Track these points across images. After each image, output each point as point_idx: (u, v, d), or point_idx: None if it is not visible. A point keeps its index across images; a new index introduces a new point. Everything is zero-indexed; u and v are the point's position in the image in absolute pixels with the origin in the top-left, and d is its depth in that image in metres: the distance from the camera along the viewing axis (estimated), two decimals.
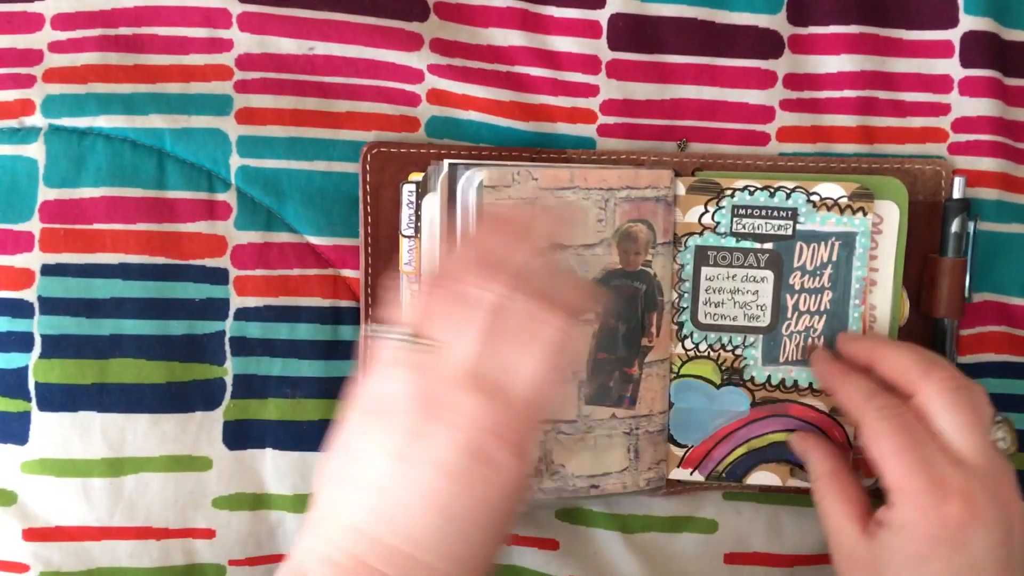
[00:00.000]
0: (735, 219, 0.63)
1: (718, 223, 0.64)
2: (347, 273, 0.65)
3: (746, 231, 0.63)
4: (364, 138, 0.65)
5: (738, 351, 0.64)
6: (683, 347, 0.65)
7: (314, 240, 0.64)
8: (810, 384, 0.64)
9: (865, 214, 0.62)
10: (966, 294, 0.66)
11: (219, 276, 0.64)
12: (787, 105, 0.68)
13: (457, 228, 0.59)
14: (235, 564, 0.65)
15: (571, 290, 0.53)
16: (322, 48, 0.65)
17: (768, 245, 0.63)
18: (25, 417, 0.63)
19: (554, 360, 0.51)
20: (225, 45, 0.65)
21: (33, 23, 0.64)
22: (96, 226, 0.63)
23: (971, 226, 0.66)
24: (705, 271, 0.64)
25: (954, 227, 0.65)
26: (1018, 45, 0.69)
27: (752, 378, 0.64)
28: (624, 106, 0.67)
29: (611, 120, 0.67)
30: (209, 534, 0.65)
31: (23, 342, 0.62)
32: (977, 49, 0.68)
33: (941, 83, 0.69)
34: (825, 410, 0.64)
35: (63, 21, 0.64)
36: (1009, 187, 0.68)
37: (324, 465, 0.52)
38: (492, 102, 0.66)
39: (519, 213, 0.58)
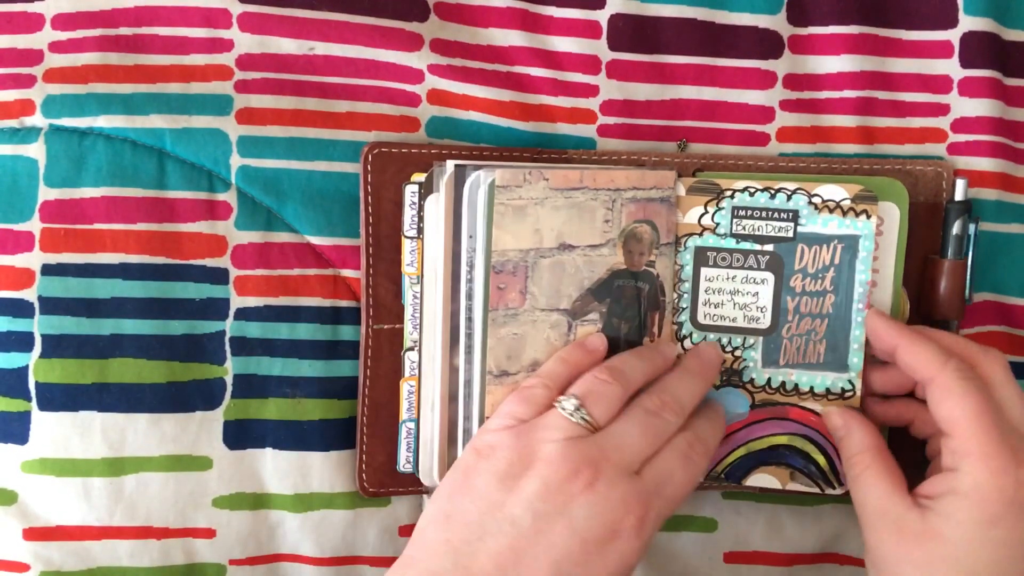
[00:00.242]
0: (735, 220, 0.63)
1: (718, 224, 0.63)
2: (347, 273, 0.65)
3: (746, 232, 0.63)
4: (364, 138, 0.65)
5: (737, 352, 0.64)
6: (682, 347, 0.65)
7: (314, 240, 0.64)
8: (811, 388, 0.64)
9: (868, 217, 0.62)
10: (966, 296, 0.66)
11: (219, 276, 0.64)
12: (787, 105, 0.68)
13: (463, 229, 0.59)
14: (235, 564, 0.66)
15: (714, 439, 0.60)
16: (322, 48, 0.65)
17: (768, 247, 0.63)
18: (25, 417, 0.63)
19: (701, 474, 0.59)
20: (225, 45, 0.65)
21: (33, 23, 0.64)
22: (96, 226, 0.63)
23: (972, 228, 0.66)
24: (704, 272, 0.64)
25: (955, 229, 0.65)
26: (1018, 45, 0.69)
27: (752, 380, 0.64)
28: (624, 106, 0.67)
29: (611, 120, 0.67)
30: (209, 534, 0.65)
31: (23, 342, 0.62)
32: (977, 49, 0.68)
33: (940, 83, 0.69)
34: None
35: (63, 21, 0.64)
36: (1009, 187, 0.68)
37: (443, 502, 0.55)
38: (492, 102, 0.66)
39: (717, 356, 0.64)
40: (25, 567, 0.63)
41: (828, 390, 0.63)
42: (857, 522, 0.68)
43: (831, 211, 0.62)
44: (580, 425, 0.55)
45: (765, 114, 0.68)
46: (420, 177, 0.62)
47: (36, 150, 0.63)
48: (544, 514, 0.53)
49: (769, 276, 0.63)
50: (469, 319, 0.59)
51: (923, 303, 0.66)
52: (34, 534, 0.63)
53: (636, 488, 0.54)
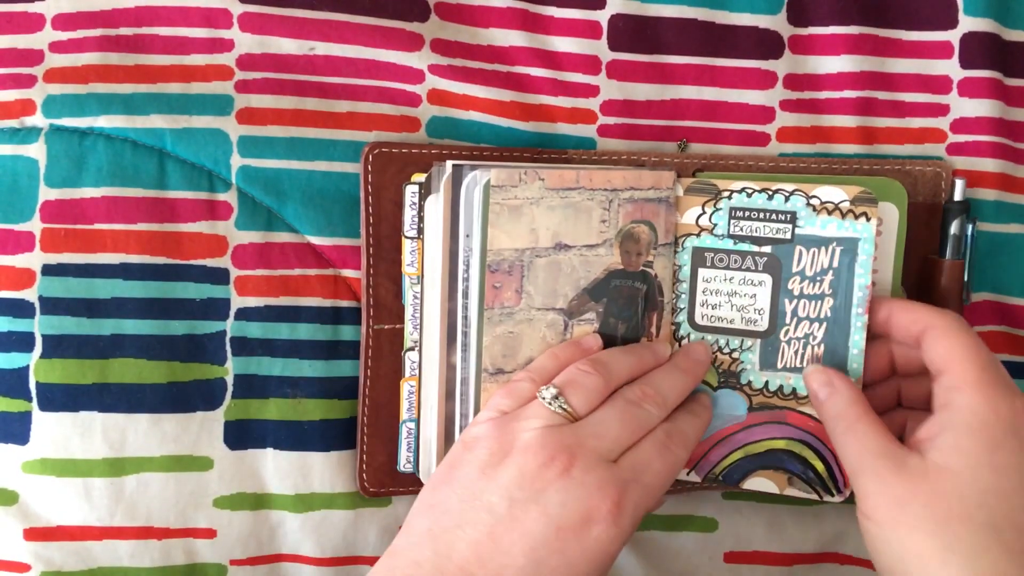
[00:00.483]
0: (732, 221, 0.63)
1: (715, 225, 0.63)
2: (348, 273, 0.65)
3: (743, 234, 0.63)
4: (365, 138, 0.65)
5: (735, 354, 0.64)
6: (680, 347, 0.65)
7: (315, 240, 0.64)
8: None
9: (868, 219, 0.61)
10: (964, 295, 0.66)
11: (220, 276, 0.64)
12: (787, 105, 0.68)
13: (461, 228, 0.59)
14: (236, 564, 0.66)
15: (695, 432, 0.60)
16: (323, 48, 0.65)
17: (766, 248, 0.62)
18: (26, 417, 0.63)
19: (679, 466, 0.58)
20: (226, 45, 0.65)
21: (34, 23, 0.64)
22: (97, 226, 0.63)
23: (970, 228, 0.66)
24: (702, 272, 0.64)
25: (953, 229, 0.65)
26: (1019, 45, 0.69)
27: (749, 382, 0.64)
28: (624, 106, 0.67)
29: (611, 120, 0.67)
30: (210, 534, 0.65)
31: (24, 342, 0.62)
32: (976, 50, 0.68)
33: (940, 84, 0.69)
34: None
35: (64, 21, 0.64)
36: (1008, 187, 0.68)
37: (430, 494, 0.56)
38: (493, 102, 0.66)
39: (707, 354, 0.64)
40: (26, 567, 0.63)
41: None
42: (855, 520, 0.69)
43: (830, 213, 0.61)
44: (558, 413, 0.56)
45: (765, 114, 0.68)
46: (420, 177, 0.62)
47: (37, 150, 0.63)
48: (519, 501, 0.53)
49: (767, 278, 0.63)
50: (466, 317, 0.59)
51: (922, 302, 0.65)
52: (35, 534, 0.63)
53: (612, 474, 0.54)
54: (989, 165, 0.68)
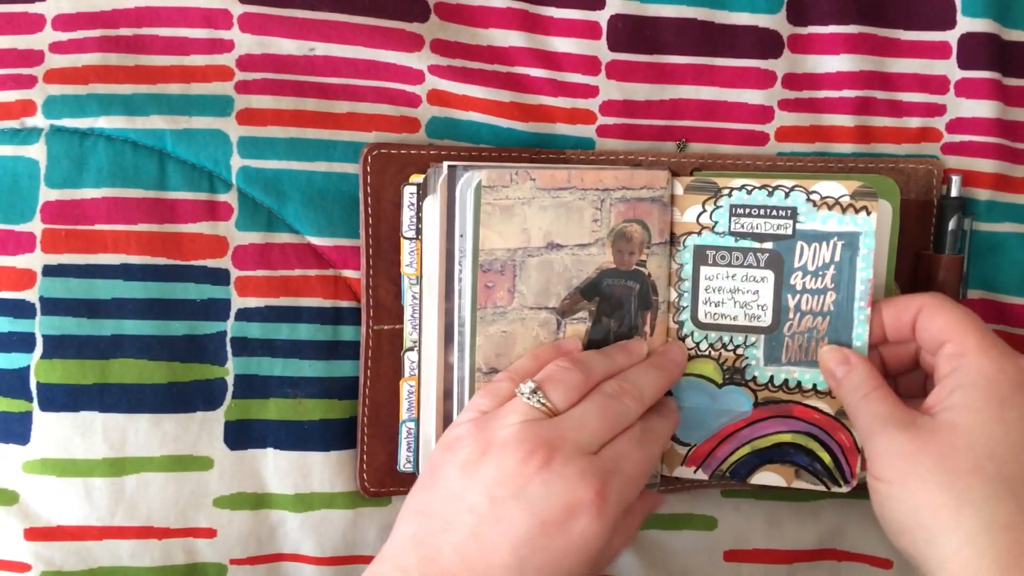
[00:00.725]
0: (733, 218, 0.63)
1: (716, 222, 0.64)
2: (348, 273, 0.65)
3: (745, 230, 0.63)
4: (365, 139, 0.65)
5: (739, 351, 0.64)
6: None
7: (315, 240, 0.65)
8: (814, 385, 0.63)
9: (869, 213, 0.61)
10: (961, 291, 0.66)
11: (220, 277, 0.64)
12: (786, 105, 0.68)
13: (456, 229, 0.59)
14: (236, 563, 0.66)
15: (665, 434, 0.61)
16: (323, 49, 0.65)
17: (767, 245, 0.63)
18: (27, 417, 0.63)
19: (655, 461, 0.59)
20: (226, 46, 0.65)
21: (34, 24, 0.64)
22: (97, 227, 0.63)
23: (967, 223, 0.66)
24: (704, 270, 0.64)
25: (951, 224, 0.66)
26: (1017, 46, 0.69)
27: (754, 378, 0.64)
28: (624, 107, 0.67)
29: (610, 121, 0.67)
30: (210, 533, 0.65)
31: (25, 342, 0.62)
32: (974, 50, 0.69)
33: (938, 84, 0.69)
34: (831, 412, 0.64)
35: (64, 22, 0.64)
36: (1003, 187, 0.68)
37: (413, 497, 0.56)
38: (492, 103, 0.66)
39: (683, 355, 0.64)
40: (26, 567, 0.63)
41: None
42: (856, 518, 0.69)
43: (830, 208, 0.62)
44: (537, 408, 0.56)
45: (764, 114, 0.68)
46: (418, 178, 0.62)
47: (37, 151, 0.63)
48: (501, 498, 0.53)
49: (769, 274, 0.63)
50: (461, 317, 0.59)
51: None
52: (35, 534, 0.63)
53: (593, 465, 0.54)
54: (983, 165, 0.68)
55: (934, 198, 0.67)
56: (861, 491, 0.67)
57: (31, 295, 0.62)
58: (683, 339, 0.65)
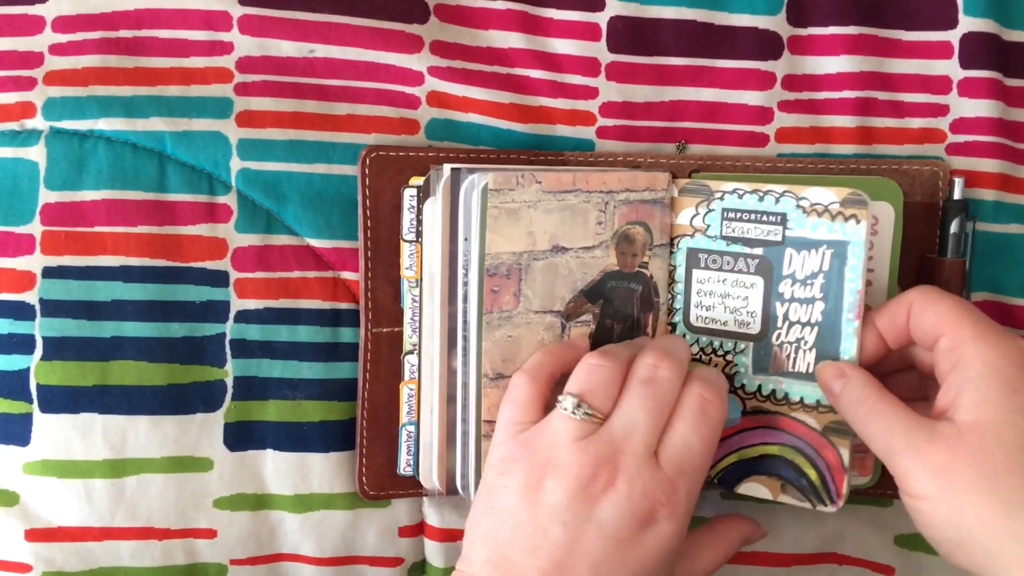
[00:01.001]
0: (725, 222, 0.63)
1: (708, 226, 0.63)
2: (347, 275, 0.65)
3: (736, 235, 0.62)
4: (364, 141, 0.65)
5: (729, 357, 0.63)
6: None
7: (314, 242, 0.65)
8: (801, 399, 0.62)
9: (858, 222, 0.59)
10: (965, 295, 0.66)
11: (219, 278, 0.64)
12: (785, 106, 0.68)
13: (460, 232, 0.59)
14: (236, 563, 0.66)
15: (721, 381, 0.59)
16: (322, 51, 0.65)
17: (758, 250, 0.62)
18: (27, 419, 0.63)
19: (716, 441, 0.58)
20: (225, 48, 0.65)
21: (34, 26, 0.64)
22: (97, 229, 0.63)
23: (969, 227, 0.66)
24: (696, 273, 0.64)
25: (953, 227, 0.65)
26: (1019, 46, 0.69)
27: (743, 386, 0.63)
28: (623, 108, 0.67)
29: (610, 122, 0.67)
30: (210, 534, 0.65)
31: (24, 344, 0.63)
32: (976, 50, 0.68)
33: (940, 84, 0.69)
34: (818, 428, 0.62)
35: (64, 24, 0.64)
36: (1008, 187, 0.68)
37: (478, 524, 0.56)
38: (492, 104, 0.66)
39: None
40: (27, 568, 0.64)
41: (819, 402, 0.62)
42: (858, 524, 0.69)
43: (819, 215, 0.60)
44: (585, 421, 0.55)
45: (764, 115, 0.68)
46: (418, 180, 0.62)
47: (37, 153, 0.63)
48: (573, 524, 0.53)
49: (758, 280, 0.62)
50: (465, 322, 0.59)
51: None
52: (36, 535, 0.64)
53: (656, 477, 0.54)
54: (988, 165, 0.68)
55: (939, 200, 0.66)
56: (862, 496, 0.67)
57: (31, 297, 0.62)
58: None
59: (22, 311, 0.62)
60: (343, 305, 0.65)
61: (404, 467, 0.64)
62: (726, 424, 0.60)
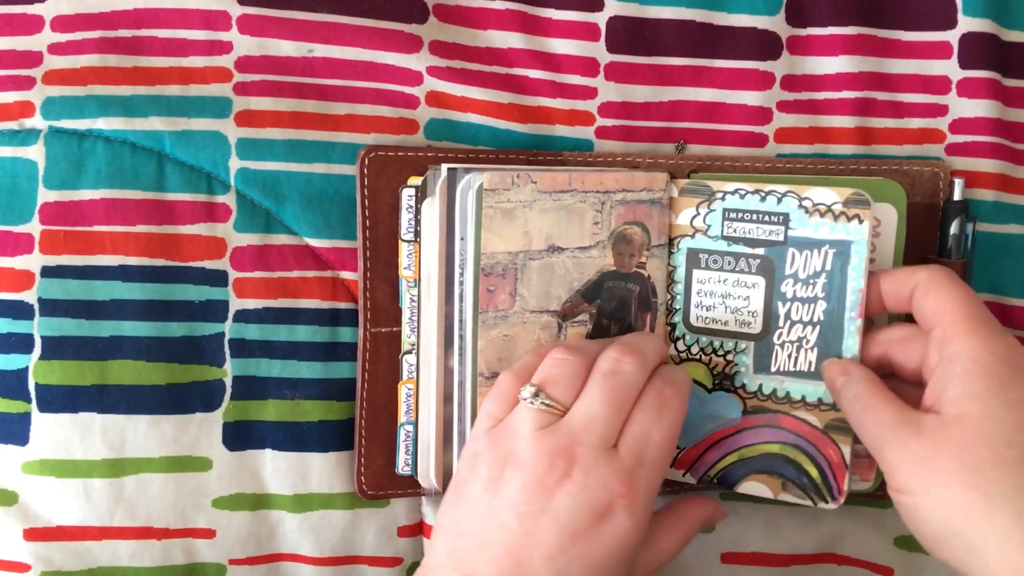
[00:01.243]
0: (726, 223, 0.63)
1: (709, 226, 0.63)
2: (346, 275, 0.65)
3: (737, 235, 0.63)
4: (363, 140, 0.65)
5: (729, 356, 0.64)
6: (675, 348, 0.65)
7: (313, 242, 0.65)
8: (803, 397, 0.63)
9: (861, 221, 0.60)
10: None
11: (218, 278, 0.64)
12: (785, 107, 0.68)
13: (456, 232, 0.59)
14: (235, 563, 0.66)
15: (685, 382, 0.59)
16: (321, 50, 0.65)
17: (759, 250, 0.62)
18: (25, 418, 0.63)
19: (676, 436, 0.57)
20: (224, 47, 0.65)
21: (33, 25, 0.64)
22: (96, 228, 0.63)
23: (970, 228, 0.66)
24: (696, 273, 0.64)
25: (953, 228, 0.65)
26: (1018, 46, 0.69)
27: (744, 385, 0.64)
28: (622, 108, 0.67)
29: (609, 122, 0.67)
30: (209, 534, 0.65)
31: (23, 343, 0.63)
32: (975, 50, 0.68)
33: (939, 84, 0.69)
34: (819, 426, 0.62)
35: (63, 23, 0.64)
36: (1007, 188, 0.68)
37: (444, 516, 0.56)
38: (491, 104, 0.66)
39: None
40: (26, 567, 0.64)
41: (820, 400, 0.62)
42: (857, 524, 0.69)
43: (822, 215, 0.61)
44: (544, 411, 0.55)
45: (763, 115, 0.68)
46: (416, 180, 0.62)
47: (36, 152, 0.63)
48: (529, 515, 0.53)
49: (760, 280, 0.62)
50: (461, 321, 0.59)
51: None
52: (35, 534, 0.64)
53: (614, 467, 0.54)
54: (988, 166, 0.68)
55: (940, 201, 0.66)
56: (862, 497, 0.67)
57: (30, 296, 0.62)
58: (675, 341, 0.65)
59: (21, 310, 0.62)
60: (342, 305, 0.65)
61: (402, 467, 0.64)
62: (726, 424, 0.60)
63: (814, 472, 0.63)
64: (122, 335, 0.63)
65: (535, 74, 0.67)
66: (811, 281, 0.61)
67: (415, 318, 0.63)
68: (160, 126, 0.63)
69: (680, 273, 0.64)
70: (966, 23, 0.68)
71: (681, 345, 0.64)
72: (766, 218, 0.62)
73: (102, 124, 0.63)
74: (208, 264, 0.64)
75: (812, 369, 0.62)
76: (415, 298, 0.62)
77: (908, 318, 0.60)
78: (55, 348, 0.63)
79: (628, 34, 0.67)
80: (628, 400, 0.56)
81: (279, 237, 0.65)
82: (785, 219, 0.62)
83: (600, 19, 0.67)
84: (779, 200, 0.62)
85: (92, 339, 0.63)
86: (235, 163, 0.64)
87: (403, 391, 0.64)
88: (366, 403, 0.64)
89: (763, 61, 0.68)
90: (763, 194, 0.62)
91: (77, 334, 0.63)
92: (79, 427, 0.63)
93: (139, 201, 0.63)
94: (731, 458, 0.64)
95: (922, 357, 0.58)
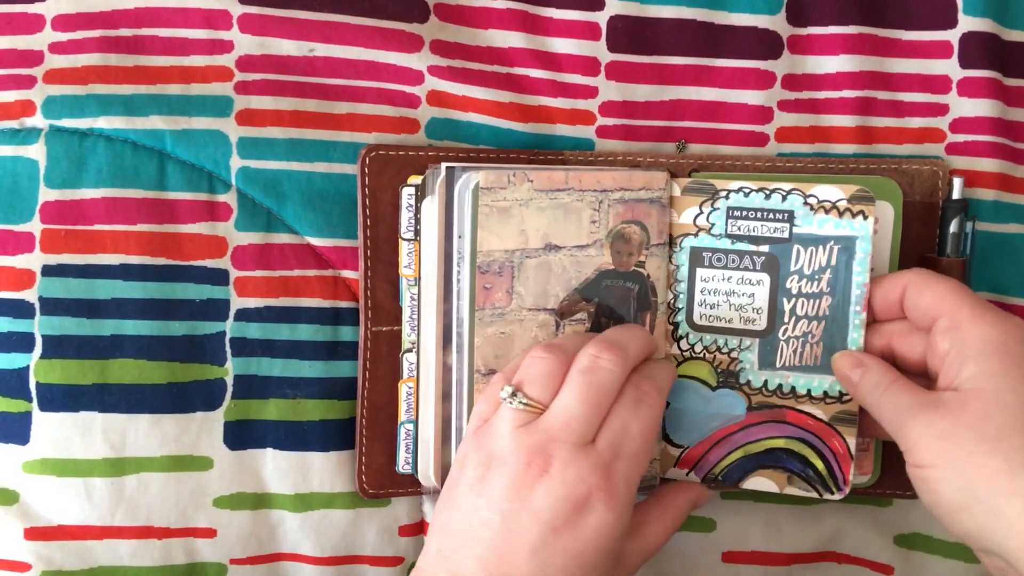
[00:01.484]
0: (730, 221, 0.63)
1: (713, 224, 0.63)
2: (347, 274, 0.65)
3: (741, 233, 0.63)
4: (364, 140, 0.65)
5: (734, 354, 0.64)
6: (678, 347, 0.65)
7: (314, 241, 0.65)
8: (808, 391, 0.63)
9: (865, 217, 0.61)
10: None
11: (220, 277, 0.64)
12: (785, 106, 0.68)
13: (454, 230, 0.59)
14: (236, 563, 0.66)
15: (665, 378, 0.60)
16: (322, 50, 0.65)
17: (764, 248, 0.63)
18: (26, 417, 0.63)
19: (655, 432, 0.58)
20: (226, 46, 0.65)
21: (34, 24, 0.64)
22: (97, 227, 0.63)
23: (969, 226, 0.66)
24: (700, 272, 0.64)
25: (952, 227, 0.65)
26: (1018, 45, 0.69)
27: (748, 382, 0.64)
28: (623, 108, 0.67)
29: (610, 122, 0.67)
30: (210, 533, 0.65)
31: (24, 342, 0.63)
32: (976, 50, 0.68)
33: (939, 83, 0.69)
34: (824, 418, 0.63)
35: (64, 22, 0.64)
36: (1007, 187, 0.68)
37: (436, 516, 0.57)
38: (492, 103, 0.66)
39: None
40: (26, 567, 0.64)
41: (826, 393, 0.63)
42: (857, 522, 0.69)
43: (827, 212, 0.61)
44: (523, 410, 0.56)
45: (764, 114, 0.68)
46: (416, 179, 0.62)
47: (36, 151, 0.63)
48: (510, 512, 0.54)
49: (765, 277, 0.63)
50: (459, 318, 0.60)
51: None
52: (35, 534, 0.64)
53: (591, 461, 0.55)
54: (988, 165, 0.68)
55: (939, 200, 0.66)
56: (862, 496, 0.67)
57: (30, 295, 0.62)
58: (678, 340, 0.65)
59: (22, 309, 0.62)
60: (343, 304, 0.65)
61: (403, 465, 0.64)
62: (730, 421, 0.61)
63: (820, 464, 0.64)
64: (123, 334, 0.63)
65: (536, 73, 0.67)
66: (816, 277, 0.62)
67: (415, 316, 0.63)
68: (161, 125, 0.63)
69: (683, 272, 0.64)
70: (966, 23, 0.68)
71: (685, 344, 0.65)
72: (771, 215, 0.62)
73: (103, 123, 0.63)
74: (209, 263, 0.64)
75: (818, 363, 0.63)
76: (415, 296, 0.62)
77: None
78: (56, 347, 0.63)
79: (629, 33, 0.67)
80: (606, 396, 0.56)
81: (280, 236, 0.65)
82: (790, 216, 0.62)
83: (601, 18, 0.67)
84: (784, 197, 0.62)
85: (93, 338, 0.63)
86: (236, 162, 0.64)
87: (403, 390, 0.64)
88: (367, 402, 0.64)
89: (764, 60, 0.68)
90: (768, 192, 0.62)
91: (78, 333, 0.63)
92: (80, 426, 0.63)
93: (140, 200, 0.63)
94: (736, 455, 0.64)
95: (924, 349, 0.59)
